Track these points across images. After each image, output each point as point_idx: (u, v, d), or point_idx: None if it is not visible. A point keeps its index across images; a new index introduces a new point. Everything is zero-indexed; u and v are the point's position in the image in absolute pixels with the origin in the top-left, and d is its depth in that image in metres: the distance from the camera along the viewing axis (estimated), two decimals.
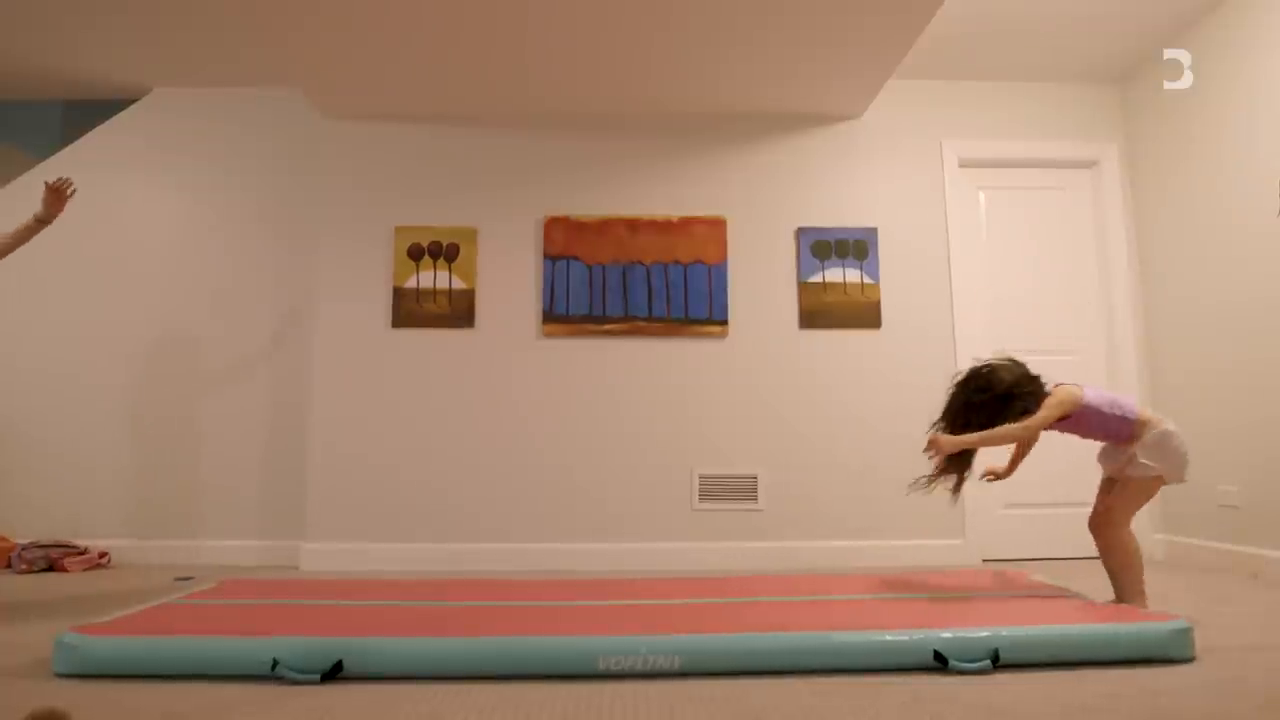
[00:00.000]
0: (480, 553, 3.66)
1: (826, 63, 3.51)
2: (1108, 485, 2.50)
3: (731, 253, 3.88)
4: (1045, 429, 2.39)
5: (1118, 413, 2.36)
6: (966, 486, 3.44)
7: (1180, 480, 2.35)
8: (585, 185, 3.94)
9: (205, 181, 4.08)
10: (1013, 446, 2.61)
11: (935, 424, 2.48)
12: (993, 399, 2.36)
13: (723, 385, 3.81)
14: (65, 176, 2.70)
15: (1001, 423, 2.34)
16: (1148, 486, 2.36)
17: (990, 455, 2.61)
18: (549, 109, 3.94)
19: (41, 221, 2.64)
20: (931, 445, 2.40)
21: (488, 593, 2.49)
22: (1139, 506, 2.40)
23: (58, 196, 2.65)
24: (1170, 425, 2.35)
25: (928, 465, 2.46)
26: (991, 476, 2.65)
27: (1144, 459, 2.32)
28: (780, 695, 1.66)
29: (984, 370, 2.43)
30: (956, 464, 2.46)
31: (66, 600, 2.75)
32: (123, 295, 4.00)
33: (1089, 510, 3.62)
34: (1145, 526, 3.76)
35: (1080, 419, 2.38)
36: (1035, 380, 2.39)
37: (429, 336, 3.82)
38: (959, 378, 2.47)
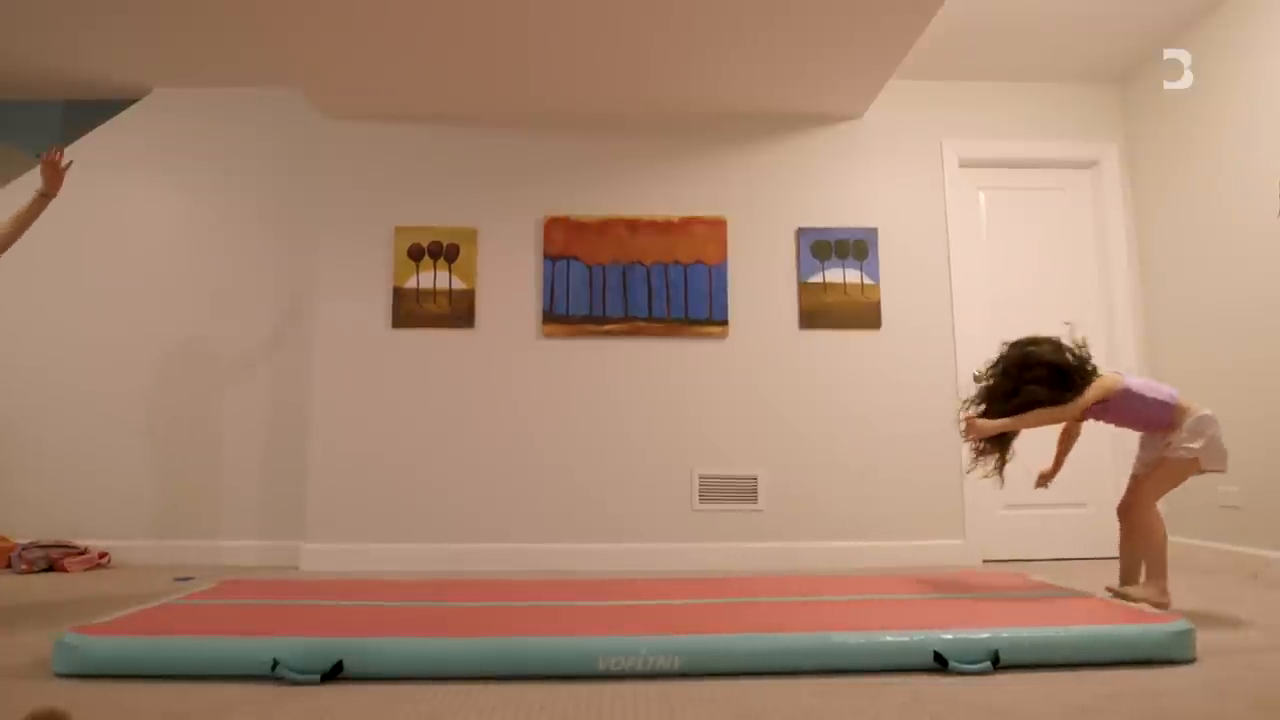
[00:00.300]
0: (480, 553, 3.66)
1: (827, 63, 3.51)
2: (1134, 480, 2.51)
3: (731, 253, 3.88)
4: (1082, 417, 2.39)
5: (1160, 398, 2.36)
6: (969, 486, 3.44)
7: (1220, 468, 2.34)
8: (585, 185, 3.94)
9: (205, 181, 4.08)
10: (1056, 444, 2.62)
11: (970, 400, 2.48)
12: (1053, 371, 2.34)
13: (723, 386, 3.81)
14: (55, 146, 2.67)
15: (1053, 399, 2.32)
16: (1183, 468, 2.35)
17: (1035, 458, 2.62)
18: (549, 109, 3.94)
19: (45, 196, 2.60)
20: (970, 429, 2.38)
21: (488, 593, 2.49)
22: (1169, 488, 2.39)
23: (54, 169, 2.62)
24: (1209, 411, 2.35)
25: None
26: (1042, 482, 2.65)
27: (1184, 441, 2.32)
28: (780, 695, 1.66)
29: (1047, 341, 2.40)
30: (998, 444, 2.45)
31: (66, 600, 2.75)
32: (122, 295, 4.00)
33: (1089, 511, 3.64)
34: None
35: (1121, 405, 2.38)
36: (1094, 371, 2.39)
37: (429, 336, 3.82)
38: (1018, 340, 2.44)
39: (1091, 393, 2.34)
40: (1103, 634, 1.87)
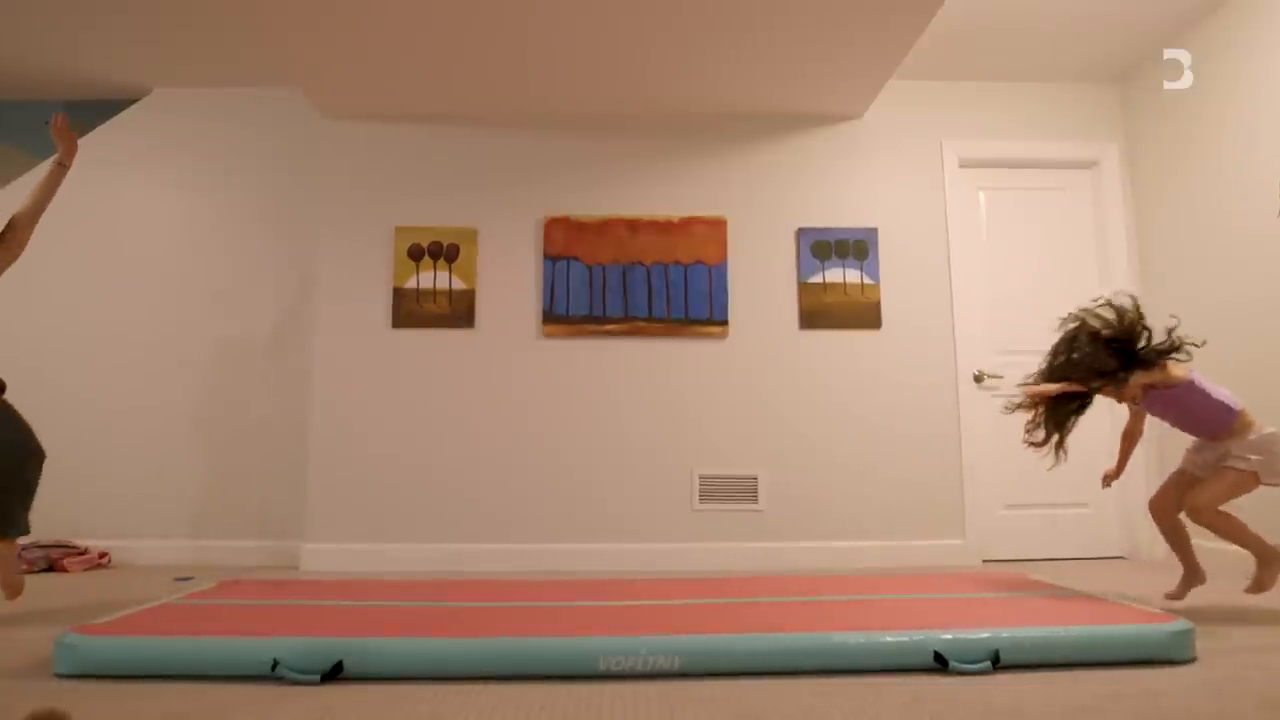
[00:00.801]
0: (480, 553, 3.66)
1: (827, 63, 3.50)
2: (1181, 479, 2.50)
3: (731, 253, 3.88)
4: (1140, 400, 2.38)
5: (1224, 401, 2.35)
6: (969, 486, 3.40)
7: (1278, 483, 2.33)
8: (585, 185, 3.93)
9: (205, 181, 4.09)
10: (1118, 446, 2.63)
11: (1031, 376, 2.47)
12: (1107, 342, 2.31)
13: (723, 386, 3.81)
14: (57, 114, 2.63)
15: (1114, 371, 2.30)
16: (1243, 481, 2.34)
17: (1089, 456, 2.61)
18: (549, 109, 3.94)
19: (63, 165, 2.60)
20: (1033, 398, 2.37)
21: (488, 593, 2.49)
22: (1230, 498, 2.37)
23: (68, 136, 2.61)
24: (1275, 429, 2.35)
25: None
26: (1107, 481, 2.65)
27: (1246, 452, 2.32)
28: (780, 695, 1.66)
29: (1123, 308, 2.34)
30: (1056, 423, 2.43)
31: (67, 600, 2.75)
32: (122, 295, 4.00)
33: (1089, 511, 3.63)
34: (1145, 526, 3.76)
35: (1183, 399, 2.36)
36: (1162, 353, 2.34)
37: (429, 337, 3.82)
38: (1101, 306, 2.38)
39: (1152, 374, 2.30)
40: (1103, 634, 1.87)
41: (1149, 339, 2.32)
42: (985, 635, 1.84)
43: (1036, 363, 2.49)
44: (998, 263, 4.02)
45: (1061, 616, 2.01)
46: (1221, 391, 2.39)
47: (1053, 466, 2.47)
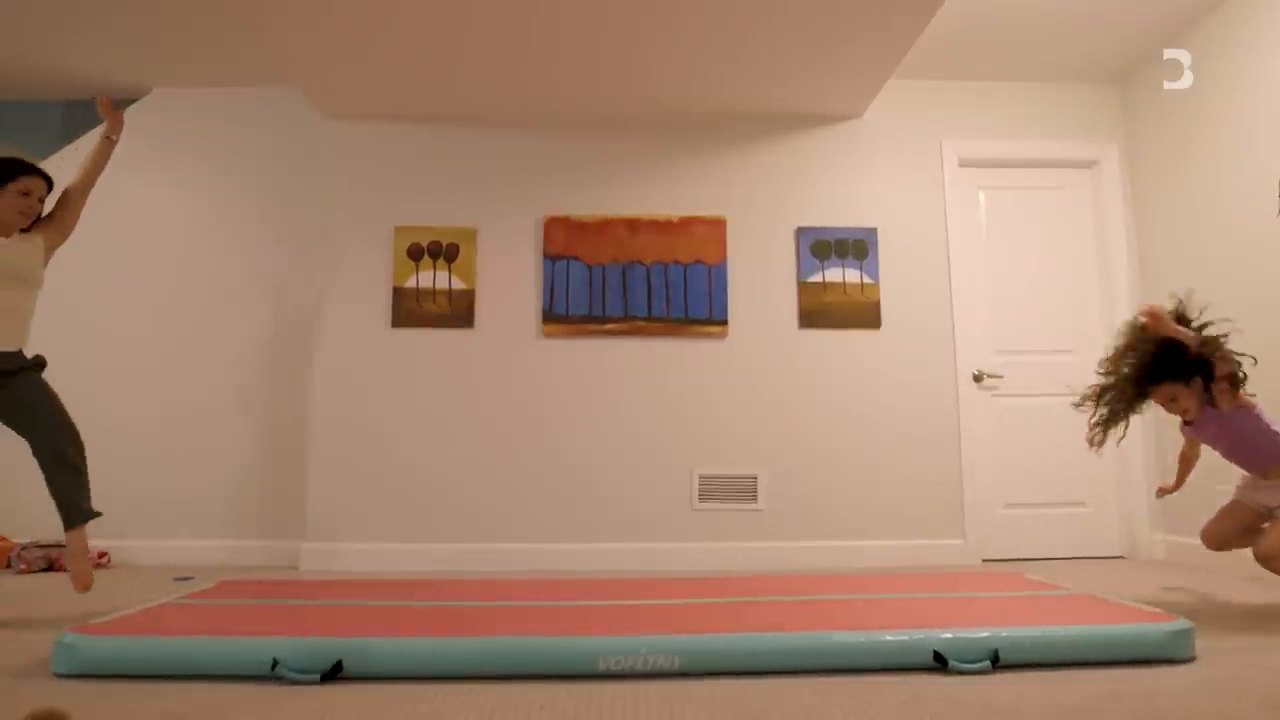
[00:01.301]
0: (480, 553, 3.66)
1: (827, 62, 3.51)
2: (1235, 509, 2.57)
3: (731, 253, 3.88)
4: (1190, 419, 2.47)
5: (1277, 430, 2.41)
6: (969, 486, 3.39)
7: None
8: (585, 185, 3.93)
9: (205, 181, 4.08)
10: (1177, 464, 2.75)
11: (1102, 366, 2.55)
12: (1201, 359, 2.37)
13: (723, 385, 3.81)
14: (100, 95, 2.70)
15: (1184, 380, 2.39)
16: None
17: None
18: (549, 109, 3.94)
19: (111, 140, 2.66)
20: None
21: (488, 593, 2.49)
22: None
23: (113, 112, 2.66)
24: None
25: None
26: (1161, 494, 2.78)
27: None
28: (780, 695, 1.66)
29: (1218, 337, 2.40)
30: (1123, 412, 2.50)
31: (66, 600, 2.75)
32: (121, 295, 4.00)
33: (1088, 510, 3.64)
34: (1145, 526, 3.76)
35: (1242, 423, 2.43)
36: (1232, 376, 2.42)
37: (429, 336, 3.82)
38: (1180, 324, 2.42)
39: (1232, 387, 2.37)
40: (1102, 634, 1.87)
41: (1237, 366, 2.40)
42: (985, 635, 1.84)
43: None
44: (998, 262, 4.02)
45: (1061, 616, 2.02)
46: (1278, 425, 2.44)
47: (1119, 441, 2.54)
